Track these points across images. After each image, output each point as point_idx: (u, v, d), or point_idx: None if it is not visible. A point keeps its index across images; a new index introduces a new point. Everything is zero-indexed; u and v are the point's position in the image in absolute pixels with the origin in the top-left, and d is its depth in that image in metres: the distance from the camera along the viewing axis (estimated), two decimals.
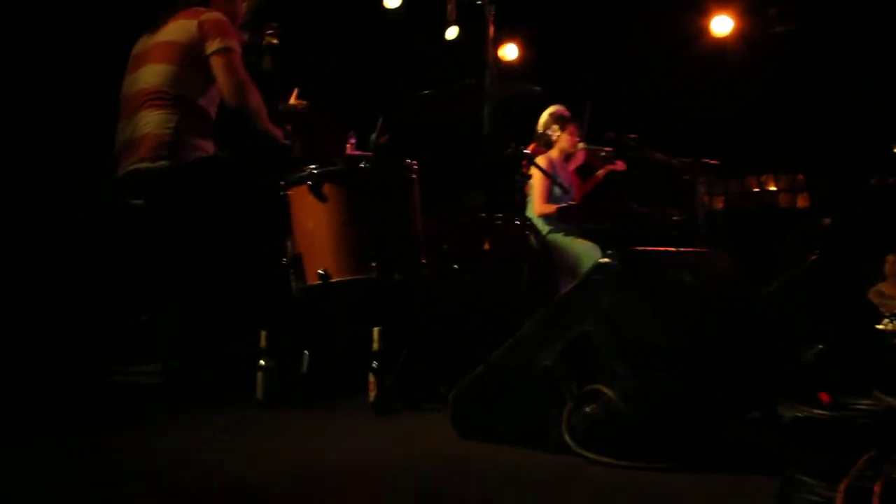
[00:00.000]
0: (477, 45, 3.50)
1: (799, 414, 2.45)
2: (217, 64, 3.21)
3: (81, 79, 4.20)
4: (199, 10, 3.31)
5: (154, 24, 3.36)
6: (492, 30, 3.45)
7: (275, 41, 3.76)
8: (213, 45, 3.20)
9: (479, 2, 3.42)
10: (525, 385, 2.16)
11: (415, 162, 3.20)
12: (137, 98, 3.24)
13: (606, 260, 2.13)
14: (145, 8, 3.48)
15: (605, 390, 2.01)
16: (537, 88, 3.71)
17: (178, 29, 3.27)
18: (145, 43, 3.35)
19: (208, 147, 3.29)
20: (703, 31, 7.87)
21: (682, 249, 2.61)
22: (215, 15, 3.29)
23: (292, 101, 3.68)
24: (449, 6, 3.37)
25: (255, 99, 3.29)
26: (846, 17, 7.15)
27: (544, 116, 5.30)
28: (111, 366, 3.33)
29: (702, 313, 2.23)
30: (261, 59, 3.85)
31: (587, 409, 2.02)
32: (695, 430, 2.04)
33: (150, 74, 3.25)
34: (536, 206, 4.92)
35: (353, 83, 6.41)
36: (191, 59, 3.23)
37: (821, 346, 2.99)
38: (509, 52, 8.11)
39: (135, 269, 3.30)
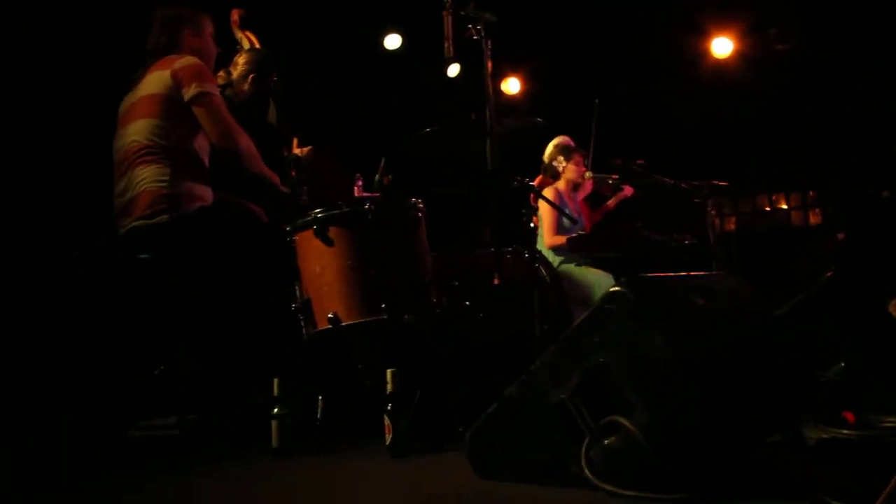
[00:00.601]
0: (478, 80, 3.52)
1: (824, 435, 2.40)
2: (199, 111, 3.23)
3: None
4: (172, 58, 3.32)
5: (132, 81, 3.38)
6: (490, 64, 3.46)
7: (278, 91, 3.79)
8: (189, 92, 3.21)
9: (476, 37, 3.43)
10: (540, 420, 2.12)
11: (420, 200, 3.20)
12: (128, 156, 3.25)
13: (617, 289, 2.09)
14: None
15: (624, 422, 1.97)
16: (539, 121, 3.72)
17: (154, 81, 3.29)
18: (128, 101, 3.37)
19: (206, 193, 3.29)
20: (705, 53, 7.89)
21: (693, 273, 2.57)
22: (188, 61, 3.30)
23: (295, 149, 3.69)
24: (446, 44, 3.37)
25: (244, 141, 3.29)
26: (850, 29, 7.15)
27: (549, 148, 5.31)
28: (128, 420, 3.32)
29: (716, 337, 2.19)
30: (266, 110, 3.89)
31: (606, 442, 1.98)
32: (717, 457, 1.99)
33: (136, 131, 3.25)
34: (546, 238, 4.90)
35: (358, 124, 6.45)
36: (171, 109, 3.24)
37: (842, 363, 2.94)
38: (512, 85, 8.16)
39: (145, 323, 3.30)
